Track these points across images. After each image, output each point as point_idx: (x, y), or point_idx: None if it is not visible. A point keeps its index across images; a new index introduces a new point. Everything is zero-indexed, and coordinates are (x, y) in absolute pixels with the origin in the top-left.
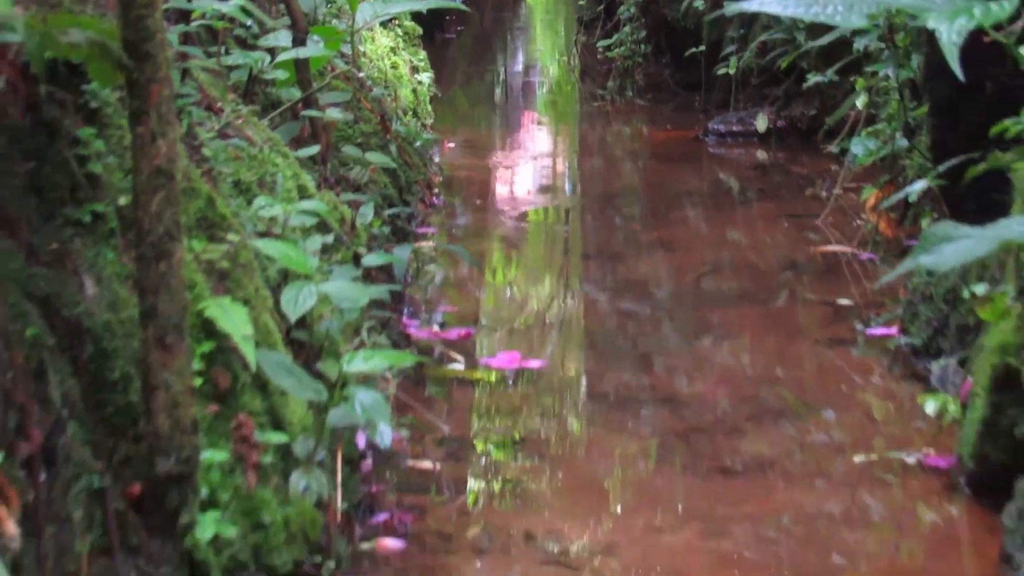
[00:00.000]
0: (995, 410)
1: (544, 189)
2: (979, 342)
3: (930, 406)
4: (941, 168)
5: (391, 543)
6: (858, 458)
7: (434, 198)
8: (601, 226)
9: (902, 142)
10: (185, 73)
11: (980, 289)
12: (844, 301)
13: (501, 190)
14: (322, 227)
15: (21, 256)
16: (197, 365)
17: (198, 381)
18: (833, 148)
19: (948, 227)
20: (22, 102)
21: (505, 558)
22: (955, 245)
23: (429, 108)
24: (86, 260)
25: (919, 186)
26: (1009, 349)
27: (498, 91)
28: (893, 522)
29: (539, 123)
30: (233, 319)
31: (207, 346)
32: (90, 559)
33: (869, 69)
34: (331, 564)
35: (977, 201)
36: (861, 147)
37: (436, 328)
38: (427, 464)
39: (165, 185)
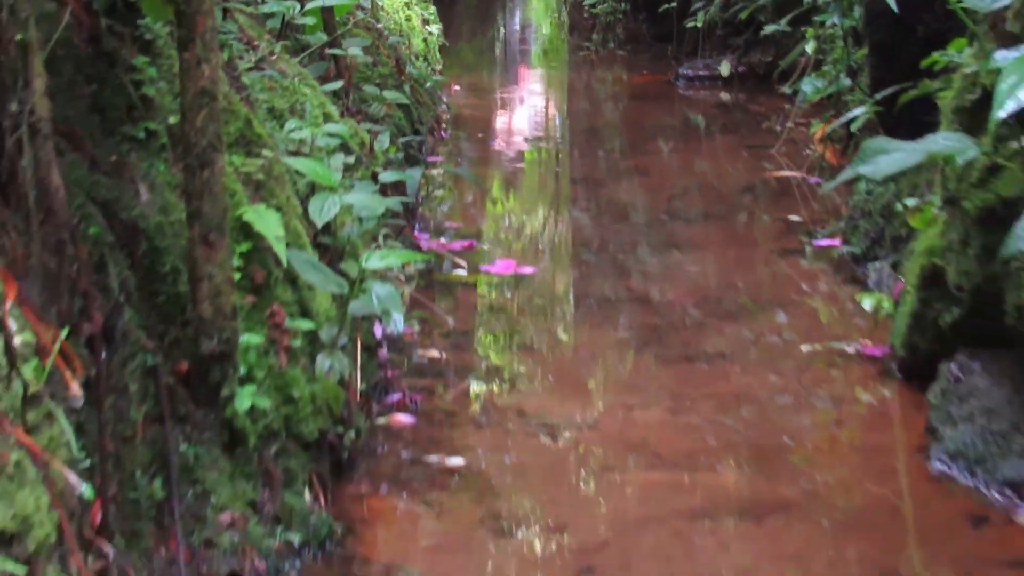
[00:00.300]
0: (923, 304)
1: (538, 125)
2: (910, 247)
3: (867, 304)
4: (878, 96)
5: (403, 419)
6: (805, 348)
7: (442, 132)
8: (586, 155)
9: (845, 81)
10: (226, 13)
11: (911, 202)
12: (794, 218)
13: (500, 126)
14: (344, 149)
15: (85, 166)
16: (236, 262)
17: (237, 275)
18: (786, 89)
19: (883, 141)
20: (86, 34)
21: (501, 431)
22: (889, 156)
23: (438, 56)
24: (141, 170)
25: (859, 111)
26: (935, 251)
27: (498, 44)
28: (834, 401)
29: (534, 70)
30: (267, 223)
31: (245, 246)
32: (144, 426)
33: (817, 19)
34: (351, 434)
35: (909, 125)
36: (810, 86)
37: (443, 240)
38: (435, 353)
39: (208, 104)
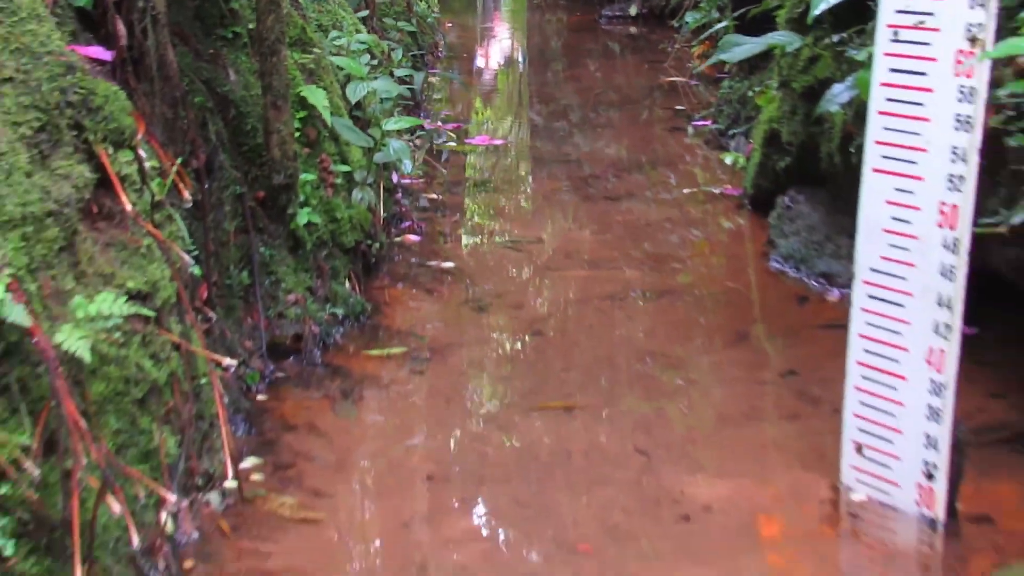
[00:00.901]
0: (765, 157)
1: (506, 49)
2: (757, 120)
3: (728, 160)
4: (735, 14)
5: (412, 237)
6: (685, 191)
7: (439, 53)
8: (538, 71)
9: (715, 14)
10: None
11: (758, 89)
12: (680, 107)
13: (480, 50)
14: (370, 54)
15: (191, 56)
16: (296, 124)
17: (297, 133)
18: (675, 22)
19: (736, 37)
20: None
21: (480, 245)
22: (741, 47)
23: (435, 1)
24: (230, 60)
25: (722, 25)
26: (774, 119)
27: None
28: (705, 224)
29: (503, 15)
30: (317, 98)
31: (302, 114)
32: (234, 234)
33: None
34: (376, 246)
35: (756, 35)
36: (691, 18)
37: (440, 123)
38: (434, 195)
39: (275, 10)
